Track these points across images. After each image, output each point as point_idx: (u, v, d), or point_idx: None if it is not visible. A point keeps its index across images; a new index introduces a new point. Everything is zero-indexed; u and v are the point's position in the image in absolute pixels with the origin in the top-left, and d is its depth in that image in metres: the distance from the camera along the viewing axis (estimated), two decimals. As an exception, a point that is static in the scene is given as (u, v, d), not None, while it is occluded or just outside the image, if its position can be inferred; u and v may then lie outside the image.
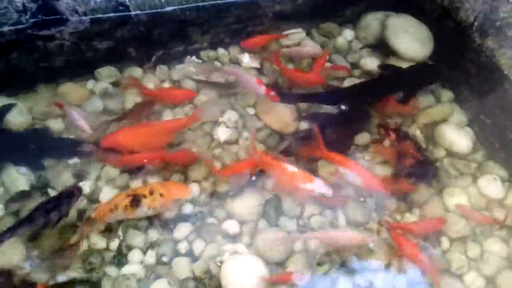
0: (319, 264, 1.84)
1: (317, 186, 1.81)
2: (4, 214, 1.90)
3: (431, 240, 1.93)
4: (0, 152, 1.99)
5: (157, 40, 2.31)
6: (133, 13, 2.17)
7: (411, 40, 2.38)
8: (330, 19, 2.56)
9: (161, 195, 1.80)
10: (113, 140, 1.93)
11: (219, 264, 1.81)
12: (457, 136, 2.18)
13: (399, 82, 2.29)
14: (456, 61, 2.30)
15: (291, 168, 1.83)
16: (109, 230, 1.89)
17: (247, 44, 2.37)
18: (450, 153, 2.18)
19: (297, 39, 2.50)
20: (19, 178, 1.96)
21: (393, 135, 2.11)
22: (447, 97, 2.35)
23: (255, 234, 1.89)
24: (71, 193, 1.83)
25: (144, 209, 1.80)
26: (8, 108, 2.10)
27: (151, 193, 1.79)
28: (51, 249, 1.81)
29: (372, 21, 2.50)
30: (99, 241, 1.86)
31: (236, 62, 2.41)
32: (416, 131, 2.23)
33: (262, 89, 2.07)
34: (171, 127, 2.05)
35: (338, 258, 1.85)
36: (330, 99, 2.25)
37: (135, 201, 1.78)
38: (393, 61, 2.39)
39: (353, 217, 1.94)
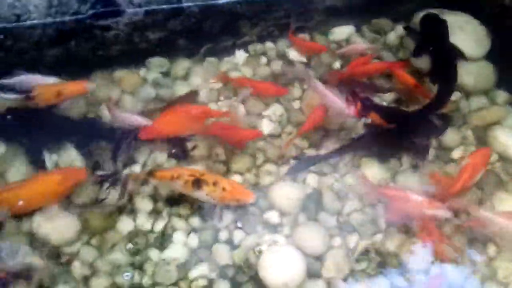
0: (358, 260, 1.82)
1: (444, 212, 1.78)
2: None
3: (477, 246, 1.86)
4: (57, 135, 2.08)
5: (207, 32, 2.35)
6: (185, 4, 2.23)
7: (467, 38, 2.29)
8: (383, 14, 2.51)
9: (223, 189, 1.82)
10: (151, 131, 1.98)
11: (257, 253, 1.83)
12: (510, 140, 2.08)
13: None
14: (514, 62, 2.20)
15: (416, 197, 1.81)
16: (155, 212, 1.95)
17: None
18: (503, 158, 2.08)
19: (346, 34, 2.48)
20: (75, 159, 2.06)
21: (357, 107, 1.96)
22: (502, 99, 2.26)
23: (295, 226, 1.90)
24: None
25: (202, 194, 1.83)
26: None
27: (215, 184, 1.82)
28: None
29: (426, 18, 2.43)
30: (145, 223, 1.93)
31: (283, 56, 2.41)
32: (467, 132, 2.16)
33: (351, 109, 1.96)
34: (201, 112, 2.04)
35: (377, 257, 1.84)
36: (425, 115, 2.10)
37: (197, 183, 1.82)
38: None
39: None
